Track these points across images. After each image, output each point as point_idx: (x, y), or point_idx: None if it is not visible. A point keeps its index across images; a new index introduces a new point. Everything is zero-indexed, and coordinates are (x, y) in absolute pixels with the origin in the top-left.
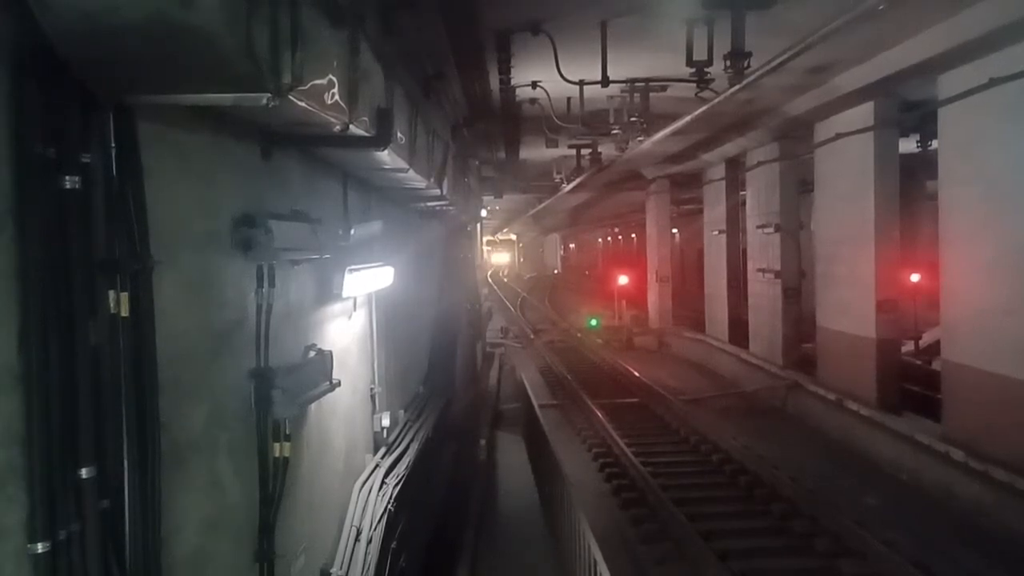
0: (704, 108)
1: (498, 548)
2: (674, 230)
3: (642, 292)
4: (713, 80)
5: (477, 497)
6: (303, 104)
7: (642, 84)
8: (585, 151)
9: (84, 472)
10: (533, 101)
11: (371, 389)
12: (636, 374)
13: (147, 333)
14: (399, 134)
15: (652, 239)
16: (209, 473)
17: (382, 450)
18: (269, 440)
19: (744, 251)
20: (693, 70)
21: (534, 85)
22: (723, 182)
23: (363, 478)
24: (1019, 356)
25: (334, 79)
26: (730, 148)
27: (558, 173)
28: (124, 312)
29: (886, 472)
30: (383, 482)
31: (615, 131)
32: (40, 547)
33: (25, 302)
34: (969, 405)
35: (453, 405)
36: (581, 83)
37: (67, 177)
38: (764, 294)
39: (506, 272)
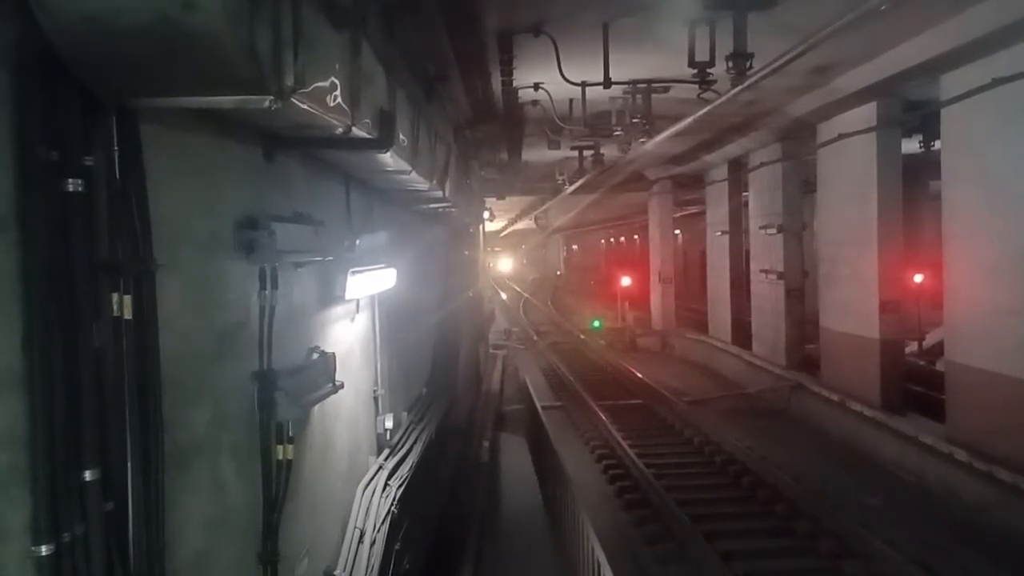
0: (706, 109)
1: (501, 549)
2: (677, 231)
3: (645, 293)
4: (715, 81)
5: (480, 498)
6: (305, 106)
7: (644, 85)
8: (587, 152)
9: (88, 474)
10: (535, 103)
11: (374, 391)
12: (639, 375)
13: (150, 335)
14: (401, 136)
15: (655, 240)
16: (212, 475)
17: (385, 452)
18: (272, 442)
19: (747, 252)
20: (695, 71)
21: (536, 87)
22: (726, 183)
23: (366, 480)
24: (1022, 356)
25: (336, 81)
26: (733, 149)
27: (560, 175)
28: (127, 314)
29: (889, 473)
30: (386, 484)
31: (617, 132)
32: (44, 549)
33: (28, 304)
34: (973, 406)
35: (456, 407)
36: (583, 84)
37: (70, 180)
38: (767, 295)
39: (509, 274)
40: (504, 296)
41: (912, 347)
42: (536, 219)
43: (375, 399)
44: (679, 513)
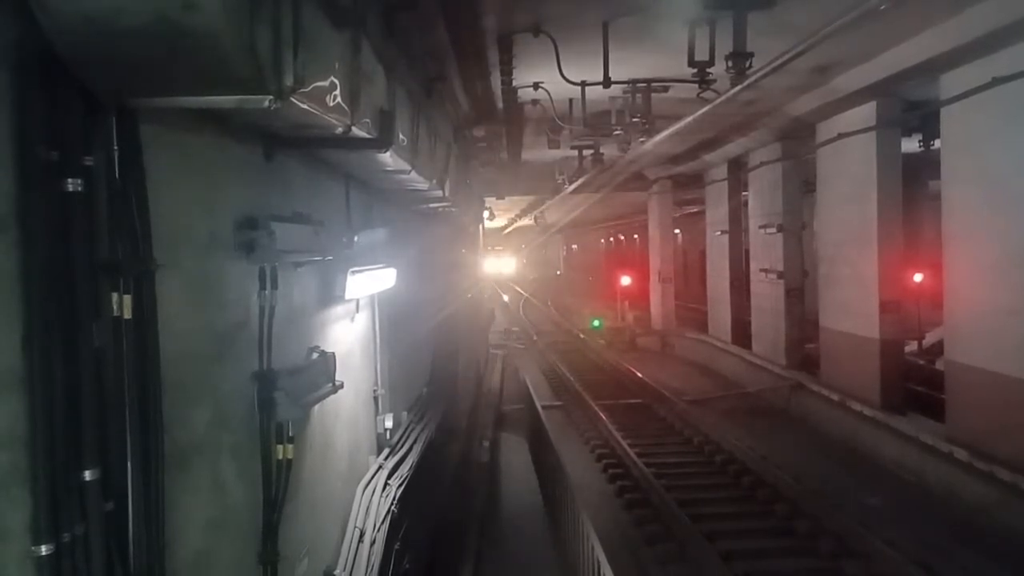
0: (706, 108)
1: (501, 549)
2: (676, 231)
3: (645, 293)
4: (715, 81)
5: (480, 498)
6: (305, 106)
7: (644, 85)
8: (587, 152)
9: (87, 474)
10: (535, 102)
11: (374, 391)
12: (639, 375)
13: (150, 335)
14: (401, 136)
15: (654, 240)
16: (212, 475)
17: (385, 451)
18: (272, 442)
19: (747, 251)
20: (695, 71)
21: (536, 86)
22: (725, 182)
23: (366, 480)
24: (1022, 356)
25: (336, 81)
26: (732, 148)
27: (560, 174)
28: (127, 314)
29: (889, 472)
30: (386, 483)
31: (617, 132)
32: (44, 549)
33: (28, 304)
34: (973, 405)
35: (456, 406)
36: (583, 84)
37: (70, 180)
38: (767, 294)
39: (510, 275)
40: (506, 299)
41: (912, 346)
42: (536, 219)
43: (375, 399)
44: (679, 513)
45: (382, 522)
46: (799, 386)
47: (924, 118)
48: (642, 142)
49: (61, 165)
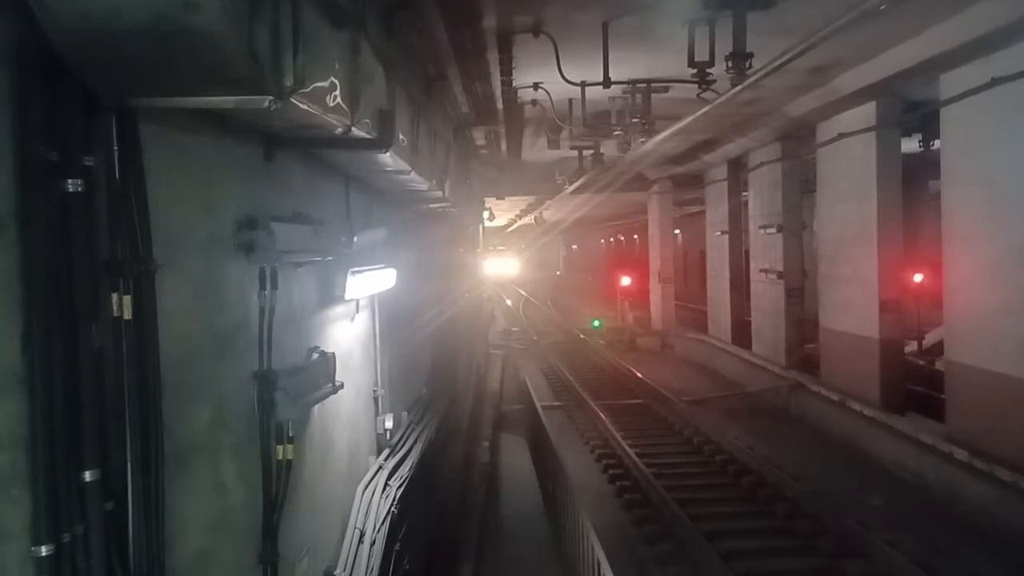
0: (706, 109)
1: (502, 549)
2: (676, 231)
3: (645, 293)
4: (715, 81)
5: (480, 498)
6: (305, 106)
7: (644, 85)
8: (587, 152)
9: (87, 475)
10: (535, 102)
11: (374, 391)
12: (639, 375)
13: (150, 336)
14: (401, 136)
15: (654, 240)
16: (212, 475)
17: (385, 452)
18: (272, 442)
19: (747, 252)
20: (695, 71)
21: (536, 86)
22: (725, 183)
23: (366, 480)
24: (1022, 356)
25: (336, 81)
26: (732, 148)
27: (560, 174)
28: (127, 315)
29: (890, 472)
30: (386, 484)
31: (617, 132)
32: (44, 550)
33: (28, 305)
34: (972, 405)
35: (456, 407)
36: (583, 84)
37: (70, 180)
38: (767, 295)
39: (512, 276)
40: (509, 302)
41: (912, 346)
42: (535, 219)
43: (375, 399)
44: (679, 513)
45: (382, 523)
46: (799, 386)
47: (924, 118)
48: (642, 142)
49: (61, 165)
